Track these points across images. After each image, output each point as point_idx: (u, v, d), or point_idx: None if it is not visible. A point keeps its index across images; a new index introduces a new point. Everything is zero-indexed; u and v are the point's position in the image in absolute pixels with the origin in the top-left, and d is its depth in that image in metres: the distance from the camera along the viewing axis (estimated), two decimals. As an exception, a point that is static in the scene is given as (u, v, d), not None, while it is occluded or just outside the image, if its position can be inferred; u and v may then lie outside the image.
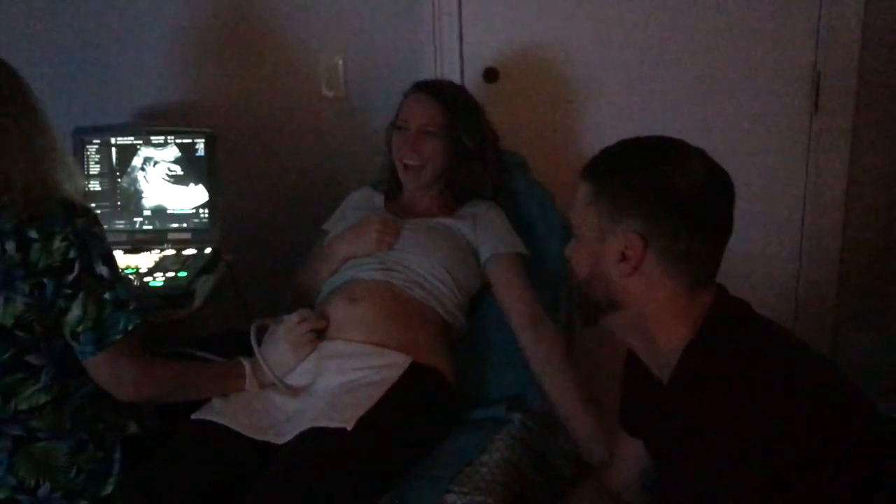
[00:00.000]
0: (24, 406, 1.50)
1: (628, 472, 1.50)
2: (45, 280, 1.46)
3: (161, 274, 1.98)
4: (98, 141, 2.19)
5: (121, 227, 2.19)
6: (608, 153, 1.26)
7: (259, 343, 1.74)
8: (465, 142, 2.02)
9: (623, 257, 1.20)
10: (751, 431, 1.08)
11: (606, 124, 2.42)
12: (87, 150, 2.18)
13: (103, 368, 1.52)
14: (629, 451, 1.47)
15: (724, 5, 2.33)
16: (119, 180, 2.19)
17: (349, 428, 1.55)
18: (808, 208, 2.42)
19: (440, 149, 2.01)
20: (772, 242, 2.45)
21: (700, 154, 1.23)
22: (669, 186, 1.19)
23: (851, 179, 2.36)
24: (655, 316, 1.22)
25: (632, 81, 2.41)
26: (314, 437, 1.56)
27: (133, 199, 2.20)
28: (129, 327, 1.51)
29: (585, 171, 1.25)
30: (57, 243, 1.46)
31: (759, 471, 1.06)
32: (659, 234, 1.18)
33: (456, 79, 2.42)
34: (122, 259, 2.03)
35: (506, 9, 2.43)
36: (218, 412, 1.65)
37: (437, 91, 2.05)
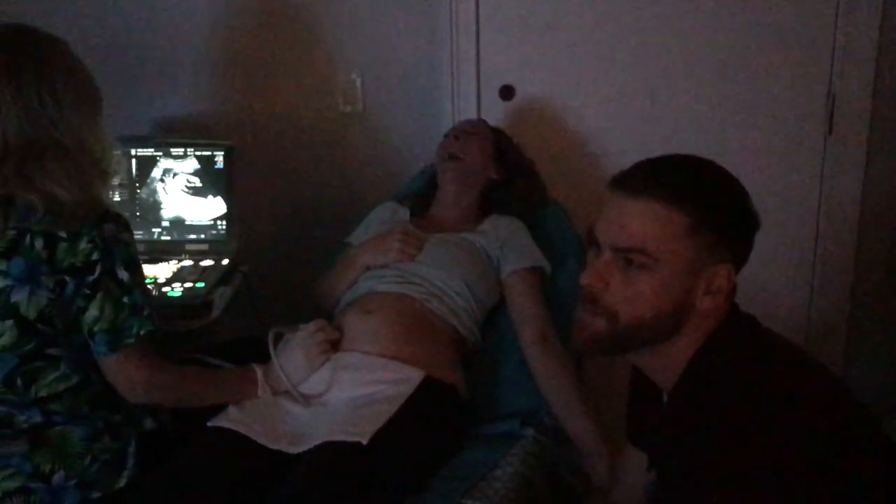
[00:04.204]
0: (44, 392, 1.52)
1: (635, 485, 1.50)
2: (67, 278, 1.49)
3: (179, 284, 2.00)
4: (118, 152, 2.20)
5: (139, 237, 2.18)
6: (692, 178, 1.18)
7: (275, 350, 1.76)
8: (494, 172, 2.14)
9: (708, 289, 1.15)
10: (751, 444, 1.07)
11: (622, 144, 2.43)
12: (108, 161, 2.21)
13: (115, 370, 1.54)
14: (635, 463, 1.47)
15: (739, 28, 2.35)
16: (138, 191, 2.22)
17: (364, 442, 1.56)
18: (821, 230, 2.43)
19: (483, 148, 2.14)
20: (784, 264, 2.45)
21: None
22: (752, 216, 1.18)
23: (865, 202, 2.37)
24: (688, 336, 1.19)
25: (648, 102, 2.43)
26: (330, 451, 1.57)
27: (152, 209, 2.22)
28: (142, 332, 1.53)
29: (674, 195, 1.14)
30: (83, 244, 1.49)
31: (757, 485, 1.05)
32: (740, 263, 1.18)
33: (472, 95, 2.45)
34: (140, 269, 2.05)
35: (523, 27, 2.45)
36: (233, 420, 1.66)
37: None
